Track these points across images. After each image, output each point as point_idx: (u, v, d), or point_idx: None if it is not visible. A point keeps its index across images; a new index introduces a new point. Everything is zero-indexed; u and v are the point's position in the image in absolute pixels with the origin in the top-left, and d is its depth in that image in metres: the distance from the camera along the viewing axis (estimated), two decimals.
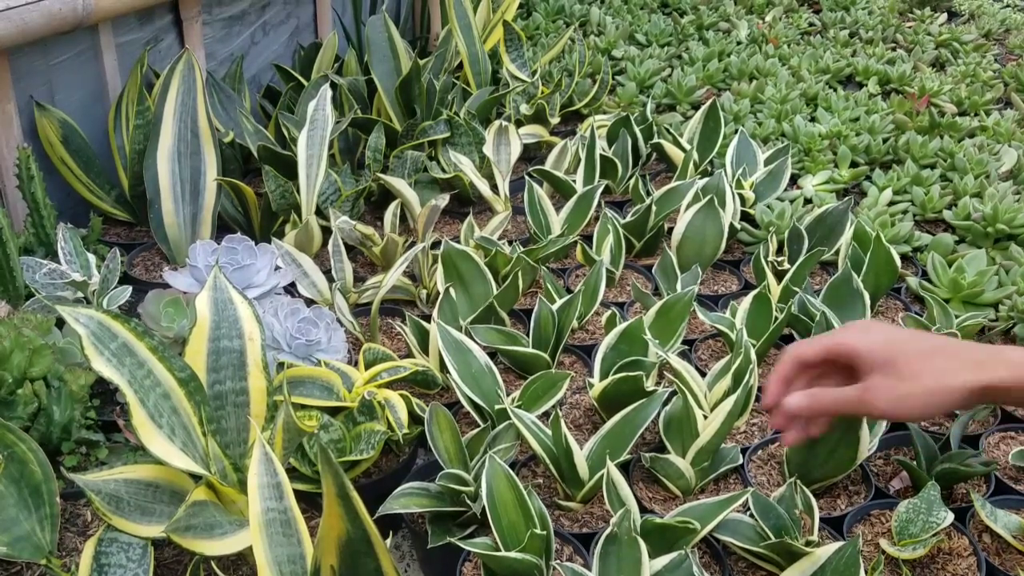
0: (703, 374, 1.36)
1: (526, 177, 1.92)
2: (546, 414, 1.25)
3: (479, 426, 1.26)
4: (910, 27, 3.13)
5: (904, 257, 1.78)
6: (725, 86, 2.61)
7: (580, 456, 1.16)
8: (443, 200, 1.72)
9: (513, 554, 1.01)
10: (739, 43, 2.91)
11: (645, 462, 1.24)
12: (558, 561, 1.06)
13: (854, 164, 2.13)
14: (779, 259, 1.68)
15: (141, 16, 1.81)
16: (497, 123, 2.03)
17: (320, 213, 1.73)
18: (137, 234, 1.78)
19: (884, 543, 1.12)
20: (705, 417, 1.23)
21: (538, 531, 1.04)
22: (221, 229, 1.71)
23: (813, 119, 2.32)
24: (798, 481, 1.14)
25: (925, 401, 0.78)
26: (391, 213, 1.75)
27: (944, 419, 1.37)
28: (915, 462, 1.24)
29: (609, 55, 2.76)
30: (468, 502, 1.12)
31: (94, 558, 0.95)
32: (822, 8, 3.35)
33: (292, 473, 1.16)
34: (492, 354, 1.40)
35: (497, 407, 1.26)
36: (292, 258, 1.55)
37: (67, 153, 1.66)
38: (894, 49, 2.93)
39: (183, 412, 1.00)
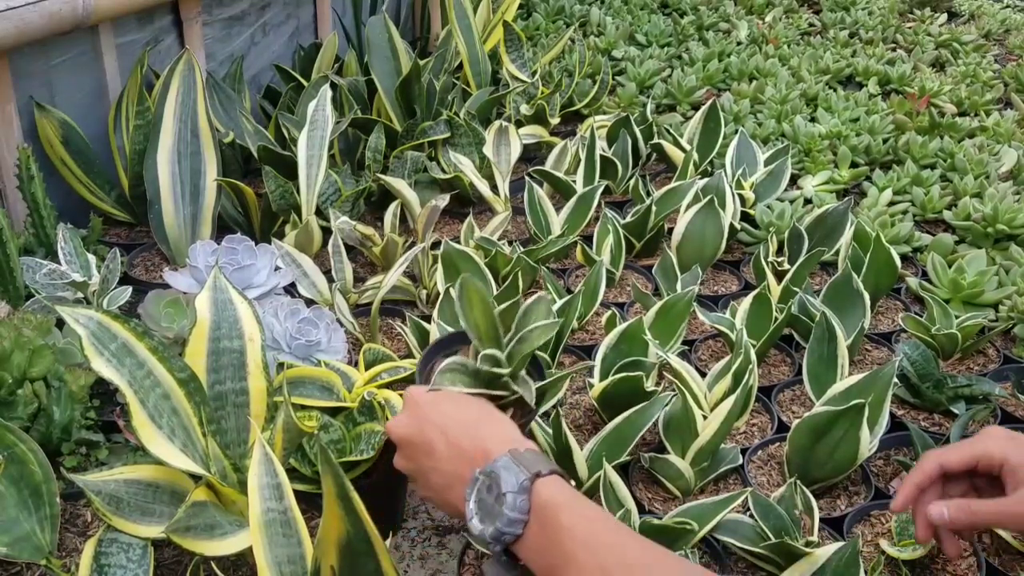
0: (703, 374, 1.36)
1: (526, 177, 1.92)
2: (546, 414, 1.25)
3: None
4: (910, 27, 3.13)
5: (904, 257, 1.78)
6: (725, 86, 2.61)
7: (580, 456, 1.16)
8: (443, 200, 1.72)
9: None
10: (739, 43, 2.92)
11: (644, 462, 1.24)
12: None
13: (854, 164, 2.13)
14: (779, 259, 1.68)
15: (141, 17, 1.81)
16: (497, 123, 2.03)
17: (320, 213, 1.73)
18: (137, 234, 1.77)
19: (884, 543, 1.12)
20: (705, 417, 1.23)
21: None
22: (221, 229, 1.71)
23: (813, 119, 2.32)
24: (798, 481, 1.14)
25: None
26: (391, 213, 1.75)
27: (944, 419, 1.37)
28: (915, 463, 1.23)
29: (609, 55, 2.76)
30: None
31: (94, 558, 0.95)
32: (822, 8, 3.35)
33: (292, 473, 1.16)
34: None
35: None
36: (292, 258, 1.55)
37: (67, 153, 1.66)
38: (894, 50, 2.93)
39: (183, 412, 1.00)
